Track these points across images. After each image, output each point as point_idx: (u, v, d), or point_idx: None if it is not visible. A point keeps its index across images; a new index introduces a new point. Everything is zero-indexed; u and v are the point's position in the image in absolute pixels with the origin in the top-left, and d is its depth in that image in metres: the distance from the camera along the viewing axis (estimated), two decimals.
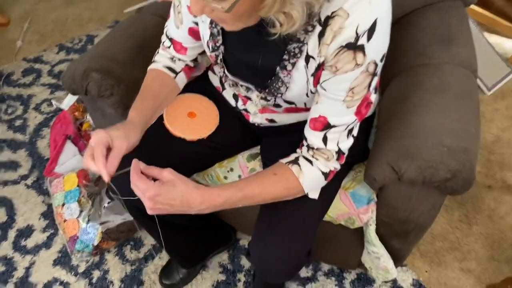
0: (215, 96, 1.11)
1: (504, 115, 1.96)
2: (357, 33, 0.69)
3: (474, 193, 1.65)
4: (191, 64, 1.05)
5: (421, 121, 0.95)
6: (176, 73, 1.01)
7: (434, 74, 1.06)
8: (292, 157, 0.88)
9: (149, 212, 0.77)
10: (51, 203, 1.65)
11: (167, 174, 0.76)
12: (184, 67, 1.03)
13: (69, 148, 1.77)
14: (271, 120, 1.04)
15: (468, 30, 1.18)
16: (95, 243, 1.44)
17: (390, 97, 1.09)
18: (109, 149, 0.78)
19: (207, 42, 0.91)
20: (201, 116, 1.06)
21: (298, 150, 0.90)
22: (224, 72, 0.95)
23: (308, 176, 0.85)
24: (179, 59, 1.03)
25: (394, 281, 1.41)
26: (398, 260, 1.22)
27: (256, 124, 1.06)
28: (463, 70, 1.07)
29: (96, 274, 1.45)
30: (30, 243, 1.55)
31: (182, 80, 1.04)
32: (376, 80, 0.79)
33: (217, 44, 0.89)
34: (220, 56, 0.91)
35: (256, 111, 1.03)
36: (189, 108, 1.06)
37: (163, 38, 1.02)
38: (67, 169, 1.67)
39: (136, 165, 0.76)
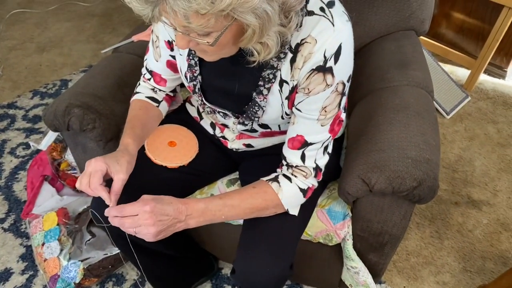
0: (194, 126, 1.17)
1: (463, 136, 2.09)
2: (325, 57, 0.78)
3: (443, 209, 1.73)
4: (171, 94, 1.12)
5: (386, 136, 1.03)
6: (159, 102, 1.08)
7: (395, 95, 1.15)
8: (272, 175, 0.94)
9: (153, 237, 0.81)
10: (30, 244, 1.63)
11: (145, 196, 0.82)
12: (164, 96, 1.10)
13: (47, 189, 1.77)
14: (248, 145, 1.10)
15: (422, 55, 1.30)
16: (77, 281, 1.43)
17: (357, 118, 1.18)
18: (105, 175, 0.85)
19: (185, 73, 0.97)
20: (181, 145, 1.11)
21: (278, 169, 0.96)
22: (202, 100, 1.00)
23: (286, 192, 0.91)
24: (160, 90, 1.09)
25: None
26: (376, 275, 1.26)
27: (234, 150, 1.12)
28: (420, 91, 1.17)
29: None
30: (8, 286, 1.51)
31: (164, 108, 1.10)
32: (344, 99, 0.87)
33: (195, 74, 0.95)
34: (198, 86, 0.97)
35: (233, 137, 1.09)
36: (169, 137, 1.11)
37: (143, 71, 1.08)
38: (45, 210, 1.66)
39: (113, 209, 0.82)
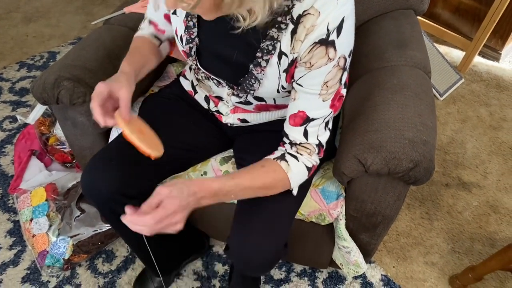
0: (188, 100, 1.15)
1: (456, 118, 2.09)
2: (328, 30, 0.76)
3: (433, 191, 1.74)
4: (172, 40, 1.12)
5: (384, 117, 1.01)
6: (161, 41, 1.09)
7: (393, 75, 1.13)
8: (278, 153, 0.92)
9: (179, 227, 0.77)
10: (18, 220, 1.61)
11: (161, 187, 0.77)
12: (167, 39, 1.10)
13: (35, 164, 1.74)
14: (243, 120, 1.08)
15: (420, 35, 1.28)
16: (66, 257, 1.41)
17: (354, 97, 1.16)
18: (110, 100, 0.85)
19: (181, 35, 0.95)
20: (149, 136, 0.91)
21: (280, 147, 0.94)
22: (196, 64, 0.98)
23: (295, 171, 0.90)
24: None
25: (364, 277, 1.46)
26: (367, 254, 1.27)
27: (229, 125, 1.10)
28: (418, 71, 1.16)
29: None
30: None
31: (165, 49, 1.11)
32: (346, 75, 0.86)
33: (192, 36, 0.93)
34: (194, 49, 0.94)
35: (228, 111, 1.07)
36: (140, 125, 0.90)
37: (145, 15, 1.08)
38: (33, 185, 1.64)
39: (131, 210, 0.76)
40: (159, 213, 0.74)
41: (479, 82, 2.33)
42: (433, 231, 1.61)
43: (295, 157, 0.90)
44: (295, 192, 0.95)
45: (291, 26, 0.79)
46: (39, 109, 1.64)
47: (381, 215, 1.11)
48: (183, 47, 0.96)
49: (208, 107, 1.10)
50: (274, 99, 0.97)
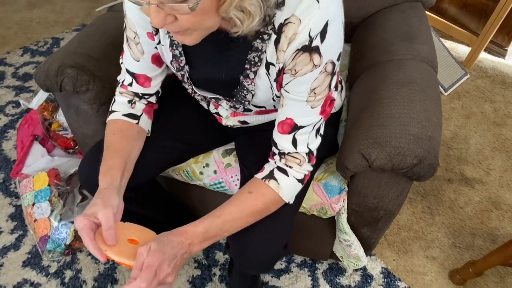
0: (189, 97, 1.13)
1: (460, 114, 2.08)
2: (310, 36, 0.72)
3: (436, 186, 1.74)
4: (153, 100, 1.01)
5: (389, 112, 1.01)
6: (138, 117, 0.97)
7: (399, 69, 1.12)
8: (267, 170, 0.89)
9: (170, 279, 0.77)
10: (20, 204, 1.61)
11: (140, 248, 0.76)
12: (145, 108, 0.99)
13: (37, 149, 1.74)
14: (243, 122, 1.07)
15: (428, 29, 1.27)
16: (67, 242, 1.42)
17: (359, 91, 1.16)
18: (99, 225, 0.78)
19: (171, 62, 0.91)
20: (141, 239, 0.83)
21: (270, 160, 0.92)
22: (192, 89, 0.96)
23: (285, 187, 0.88)
24: (141, 96, 0.98)
25: (364, 269, 1.47)
26: (368, 248, 1.27)
27: (229, 126, 1.09)
28: (425, 66, 1.15)
29: (69, 274, 1.43)
30: None
31: (146, 122, 0.99)
32: (335, 79, 0.82)
33: (181, 65, 0.90)
34: (186, 75, 0.92)
35: (228, 114, 1.06)
36: (131, 234, 0.84)
37: (121, 77, 0.98)
38: (35, 170, 1.64)
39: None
40: (145, 273, 0.72)
41: (484, 78, 2.31)
42: (434, 225, 1.61)
43: (285, 171, 0.88)
44: (291, 202, 0.93)
45: (274, 36, 0.76)
46: (42, 94, 1.63)
47: (383, 210, 1.11)
48: (176, 72, 0.94)
49: (208, 108, 1.09)
50: (274, 106, 0.96)
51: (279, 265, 1.47)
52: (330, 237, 1.27)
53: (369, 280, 1.44)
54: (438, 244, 1.55)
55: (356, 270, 1.47)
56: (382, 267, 1.47)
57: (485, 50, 2.46)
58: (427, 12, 2.52)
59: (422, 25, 1.27)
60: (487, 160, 1.86)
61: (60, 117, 1.68)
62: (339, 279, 1.44)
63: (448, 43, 2.51)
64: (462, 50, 2.47)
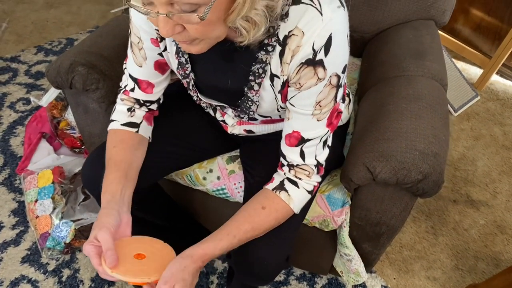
0: (196, 104, 1.13)
1: (469, 135, 2.06)
2: (314, 50, 0.72)
3: (441, 206, 1.72)
4: (154, 108, 1.00)
5: (396, 126, 1.00)
6: (138, 125, 0.96)
7: (408, 85, 1.12)
8: (277, 181, 0.89)
9: None
10: (23, 200, 1.62)
11: (162, 284, 0.75)
12: (145, 115, 0.98)
13: (44, 146, 1.75)
14: (249, 131, 1.06)
15: (440, 47, 1.26)
16: (67, 241, 1.42)
17: (367, 105, 1.15)
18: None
19: (177, 70, 0.91)
20: (152, 258, 0.82)
21: (279, 171, 0.91)
22: (197, 96, 0.96)
23: (297, 199, 0.88)
24: (142, 104, 0.97)
25: (364, 286, 1.44)
26: (368, 264, 1.26)
27: (235, 135, 1.09)
28: (435, 83, 1.14)
29: (66, 272, 1.43)
30: None
31: (146, 130, 0.99)
32: (341, 91, 0.82)
33: (187, 72, 0.90)
34: (192, 82, 0.92)
35: (234, 123, 1.05)
36: (137, 249, 0.82)
37: (124, 82, 0.97)
38: (40, 167, 1.65)
39: None
40: None
41: (495, 100, 2.30)
42: (437, 246, 1.59)
43: (295, 183, 0.88)
44: (298, 212, 0.92)
45: (278, 48, 0.76)
46: (53, 92, 1.65)
47: (386, 225, 1.10)
48: (182, 80, 0.94)
49: (215, 115, 1.09)
50: (280, 116, 0.96)
51: (278, 277, 1.46)
52: (330, 251, 1.26)
53: None
54: (440, 265, 1.53)
55: (355, 286, 1.45)
56: (382, 285, 1.45)
57: (497, 73, 2.45)
58: (440, 33, 2.54)
59: (434, 43, 1.27)
60: (494, 183, 1.84)
61: (69, 115, 1.69)
62: None
63: (460, 64, 2.51)
64: (474, 72, 2.47)
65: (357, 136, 1.07)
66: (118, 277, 0.75)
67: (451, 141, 2.01)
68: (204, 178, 1.19)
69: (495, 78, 2.44)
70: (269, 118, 0.98)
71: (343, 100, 0.94)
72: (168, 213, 1.32)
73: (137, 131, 0.96)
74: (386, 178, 0.95)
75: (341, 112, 0.87)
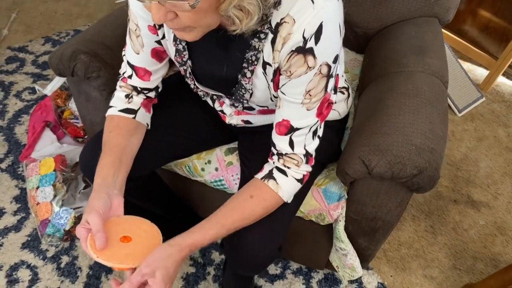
0: (196, 94, 1.13)
1: (472, 136, 2.05)
2: (304, 37, 0.72)
3: (441, 205, 1.71)
4: (152, 95, 1.01)
5: (394, 120, 1.00)
6: (135, 112, 0.97)
7: (408, 80, 1.12)
8: (266, 170, 0.90)
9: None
10: (25, 187, 1.64)
11: (143, 267, 0.76)
12: (143, 101, 0.99)
13: (47, 135, 1.77)
14: (247, 121, 1.07)
15: (442, 44, 1.26)
16: (67, 228, 1.43)
17: (367, 99, 1.15)
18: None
19: (175, 57, 0.92)
20: (138, 241, 0.82)
21: (269, 160, 0.92)
22: (194, 84, 0.97)
23: (285, 188, 0.88)
24: (140, 91, 0.98)
25: (360, 283, 1.44)
26: (364, 260, 1.26)
27: (233, 125, 1.09)
28: (435, 79, 1.14)
29: (65, 259, 1.44)
30: None
31: (143, 116, 0.99)
32: (332, 81, 0.82)
33: (184, 59, 0.90)
34: (189, 70, 0.93)
35: (232, 113, 1.06)
36: (123, 231, 0.82)
37: (122, 69, 0.98)
38: (43, 155, 1.66)
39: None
40: None
41: (500, 102, 2.28)
42: (435, 245, 1.58)
43: (283, 172, 0.88)
44: (289, 201, 0.93)
45: (270, 36, 0.76)
46: (58, 81, 1.66)
47: (381, 220, 1.10)
48: (179, 67, 0.95)
49: (213, 105, 1.09)
50: (275, 105, 0.96)
51: (274, 270, 1.46)
52: (326, 245, 1.26)
53: None
54: (438, 264, 1.53)
55: (351, 282, 1.45)
56: (378, 282, 1.45)
57: (503, 75, 2.43)
58: (447, 32, 2.52)
59: (436, 40, 1.26)
60: (496, 184, 1.83)
61: (73, 105, 1.71)
62: None
63: (467, 65, 2.49)
64: (480, 73, 2.45)
65: (355, 130, 1.07)
66: (103, 262, 0.76)
67: (454, 141, 2.00)
68: (203, 169, 1.20)
69: (501, 79, 2.42)
70: (266, 108, 0.98)
71: (335, 91, 0.94)
72: (166, 203, 1.33)
73: (134, 117, 0.96)
74: (381, 172, 0.95)
75: (332, 103, 0.87)
